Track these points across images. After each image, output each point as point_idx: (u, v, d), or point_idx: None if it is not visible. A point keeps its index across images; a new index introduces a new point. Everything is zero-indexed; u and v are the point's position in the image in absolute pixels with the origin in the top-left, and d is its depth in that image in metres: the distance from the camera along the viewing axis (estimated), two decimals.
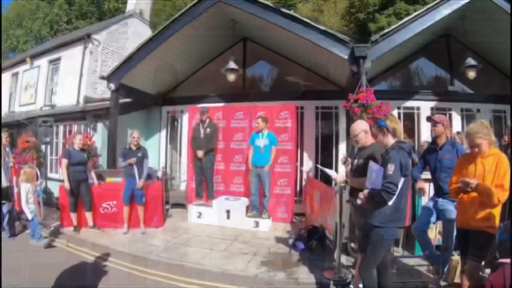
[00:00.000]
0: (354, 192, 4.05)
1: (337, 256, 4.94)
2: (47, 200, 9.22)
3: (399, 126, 3.60)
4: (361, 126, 4.06)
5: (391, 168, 3.26)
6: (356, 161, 4.07)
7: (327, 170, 5.01)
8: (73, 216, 7.06)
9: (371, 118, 5.80)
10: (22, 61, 16.81)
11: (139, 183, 7.00)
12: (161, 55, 8.86)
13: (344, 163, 4.51)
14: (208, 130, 8.18)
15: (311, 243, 6.06)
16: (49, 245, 6.23)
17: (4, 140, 6.76)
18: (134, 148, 7.16)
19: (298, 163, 8.92)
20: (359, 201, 3.56)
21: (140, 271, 5.15)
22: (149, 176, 7.57)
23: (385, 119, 3.60)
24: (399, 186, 3.30)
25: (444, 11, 6.75)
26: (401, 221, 3.51)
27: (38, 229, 6.33)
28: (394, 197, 3.29)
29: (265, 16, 7.40)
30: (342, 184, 4.56)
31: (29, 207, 6.26)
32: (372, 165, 3.48)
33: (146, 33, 16.23)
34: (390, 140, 3.52)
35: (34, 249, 6.03)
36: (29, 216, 6.24)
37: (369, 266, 3.51)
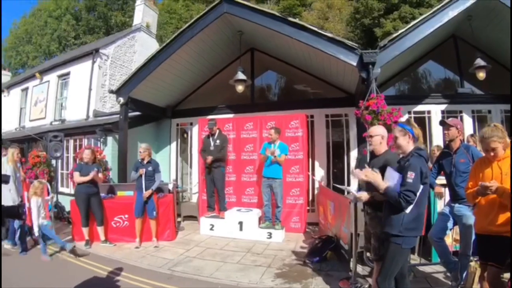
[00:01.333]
0: (368, 202, 3.99)
1: (353, 266, 4.86)
2: (59, 215, 9.26)
3: (421, 134, 3.55)
4: (380, 131, 4.00)
5: (411, 175, 3.19)
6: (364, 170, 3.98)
7: (349, 189, 4.85)
8: (85, 230, 7.06)
9: (382, 124, 5.72)
10: (32, 77, 17.05)
11: (145, 193, 6.94)
12: (169, 67, 8.90)
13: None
14: (218, 141, 8.17)
15: (325, 253, 5.97)
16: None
17: (15, 156, 6.78)
18: (144, 161, 7.15)
19: (310, 172, 8.84)
20: (361, 176, 3.51)
21: (152, 286, 5.07)
22: (160, 190, 7.53)
23: (410, 125, 3.53)
24: (418, 194, 3.23)
25: (451, 12, 6.70)
26: (419, 229, 3.43)
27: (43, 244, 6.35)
28: (412, 205, 3.22)
29: (271, 25, 7.40)
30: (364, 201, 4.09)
31: (41, 222, 6.26)
32: (391, 170, 3.41)
33: (153, 46, 16.43)
34: (410, 146, 3.46)
35: (46, 264, 6.02)
36: (36, 232, 6.23)
37: (387, 277, 3.41)
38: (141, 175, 6.96)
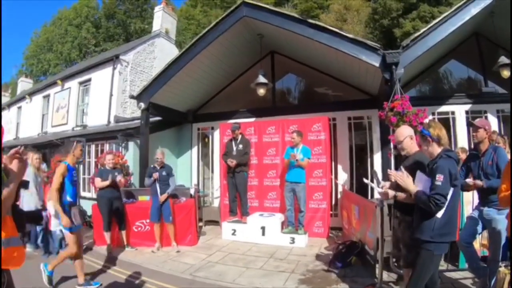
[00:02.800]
0: (397, 205, 3.85)
1: (378, 272, 4.73)
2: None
3: (444, 133, 3.35)
4: (406, 132, 3.79)
5: (439, 178, 3.04)
6: (399, 172, 3.83)
7: (374, 185, 4.71)
8: (107, 234, 7.08)
9: (408, 126, 5.57)
10: (53, 84, 17.37)
11: (161, 197, 6.94)
12: (189, 72, 8.91)
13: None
14: (240, 146, 8.12)
15: (350, 258, 5.83)
16: None
17: (35, 161, 6.86)
18: (158, 167, 7.16)
19: (333, 176, 8.72)
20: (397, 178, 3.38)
21: None
22: (175, 195, 7.51)
23: (428, 127, 3.38)
24: (448, 197, 3.08)
25: (473, 9, 6.54)
26: (451, 234, 3.26)
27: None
28: (443, 209, 3.08)
29: (292, 28, 7.33)
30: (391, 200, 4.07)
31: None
32: (420, 175, 3.28)
33: (172, 51, 16.55)
34: (436, 149, 3.30)
35: (67, 268, 6.01)
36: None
37: (418, 284, 3.26)
38: (155, 180, 6.99)
